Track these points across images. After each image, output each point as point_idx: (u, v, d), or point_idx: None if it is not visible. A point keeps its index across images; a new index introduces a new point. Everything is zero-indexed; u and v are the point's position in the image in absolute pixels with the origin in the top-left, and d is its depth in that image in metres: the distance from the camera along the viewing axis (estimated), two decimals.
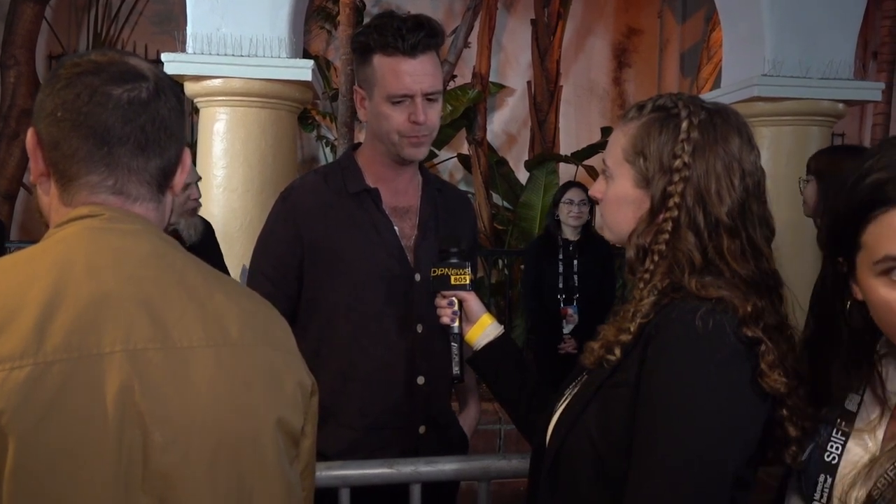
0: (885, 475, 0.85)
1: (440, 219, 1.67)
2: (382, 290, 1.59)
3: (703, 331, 0.95)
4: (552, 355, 3.68)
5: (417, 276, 1.60)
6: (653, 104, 1.10)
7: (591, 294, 3.71)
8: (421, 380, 1.61)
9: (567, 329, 3.68)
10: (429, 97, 1.55)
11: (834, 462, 0.92)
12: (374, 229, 1.60)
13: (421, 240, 1.63)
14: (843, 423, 0.94)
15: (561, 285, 3.68)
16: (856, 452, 0.91)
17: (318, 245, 1.59)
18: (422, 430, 1.63)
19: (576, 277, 3.67)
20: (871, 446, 0.90)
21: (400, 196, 1.66)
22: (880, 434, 0.90)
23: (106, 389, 0.76)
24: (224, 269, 2.82)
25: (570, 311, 3.67)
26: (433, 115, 1.56)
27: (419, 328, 1.60)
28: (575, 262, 3.67)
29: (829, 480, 0.92)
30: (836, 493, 0.90)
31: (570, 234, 3.70)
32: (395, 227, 1.62)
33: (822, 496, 0.92)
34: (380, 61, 1.53)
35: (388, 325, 1.59)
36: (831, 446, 0.93)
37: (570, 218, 3.65)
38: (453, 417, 1.76)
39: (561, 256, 3.70)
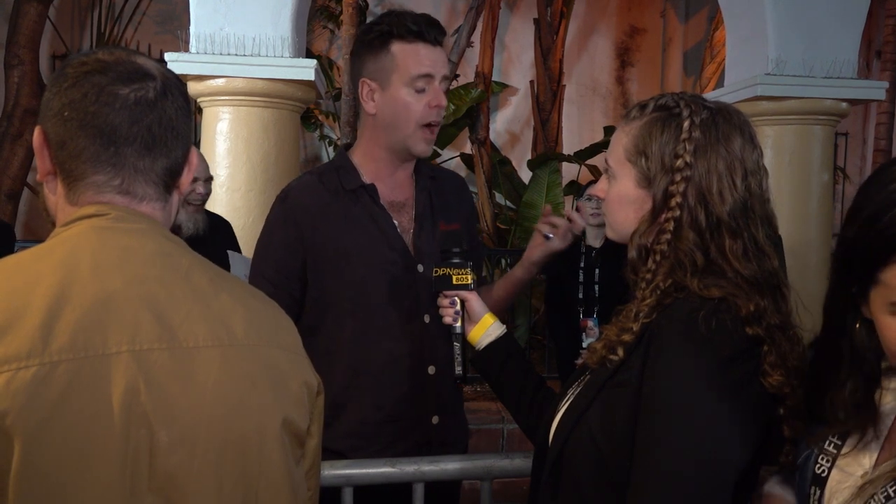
0: (877, 497, 0.83)
1: (435, 207, 1.70)
2: (386, 283, 1.60)
3: (705, 331, 0.95)
4: (571, 368, 3.40)
5: (420, 268, 1.62)
6: (654, 103, 1.10)
7: (612, 306, 3.39)
8: (432, 369, 1.62)
9: (586, 342, 3.32)
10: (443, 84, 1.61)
11: (824, 475, 0.91)
12: (373, 224, 1.62)
13: (419, 231, 1.65)
14: (837, 437, 0.92)
15: (581, 296, 3.36)
16: (847, 468, 0.90)
17: (319, 244, 1.60)
18: (435, 419, 1.63)
19: (597, 288, 3.33)
20: (864, 462, 0.89)
21: (396, 191, 1.68)
22: (875, 452, 0.89)
23: (112, 389, 0.76)
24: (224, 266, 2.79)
25: (589, 323, 3.35)
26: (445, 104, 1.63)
27: (426, 318, 1.61)
28: (597, 271, 3.31)
29: (819, 493, 0.91)
30: None
31: (593, 238, 3.34)
32: (395, 221, 1.64)
33: None
34: (400, 47, 1.57)
35: (394, 318, 1.60)
36: (822, 458, 0.92)
37: (589, 217, 3.26)
38: (461, 404, 1.77)
39: (582, 265, 3.35)
